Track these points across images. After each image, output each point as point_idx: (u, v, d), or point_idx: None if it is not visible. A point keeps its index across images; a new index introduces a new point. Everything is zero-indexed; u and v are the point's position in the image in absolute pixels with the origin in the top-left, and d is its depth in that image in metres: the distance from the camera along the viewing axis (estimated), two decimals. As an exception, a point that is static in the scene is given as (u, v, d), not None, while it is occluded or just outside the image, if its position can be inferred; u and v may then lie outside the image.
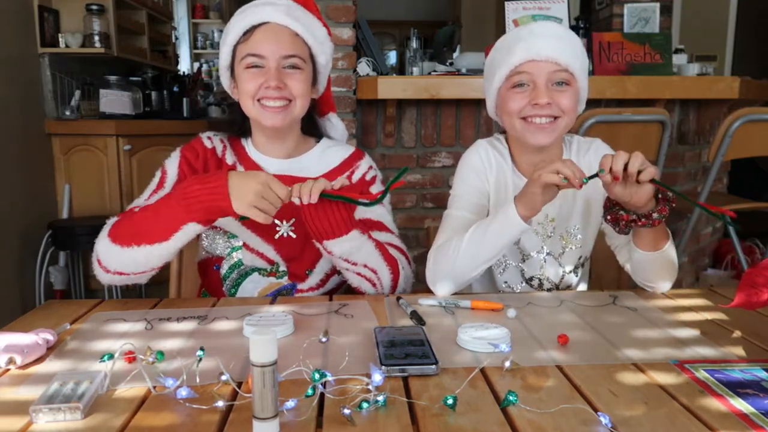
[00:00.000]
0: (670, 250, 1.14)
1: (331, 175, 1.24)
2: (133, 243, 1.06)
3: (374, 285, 1.18)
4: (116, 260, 1.09)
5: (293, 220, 1.21)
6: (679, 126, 2.85)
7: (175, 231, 1.05)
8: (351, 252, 1.12)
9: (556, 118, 1.18)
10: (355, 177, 1.28)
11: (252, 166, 1.25)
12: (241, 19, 1.17)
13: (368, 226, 1.22)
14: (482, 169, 1.27)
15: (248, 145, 1.28)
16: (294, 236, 1.21)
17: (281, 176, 1.16)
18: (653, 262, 1.14)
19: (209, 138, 1.28)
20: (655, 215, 1.05)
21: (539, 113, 1.17)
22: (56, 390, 0.72)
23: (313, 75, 1.23)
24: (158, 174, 1.23)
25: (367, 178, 1.30)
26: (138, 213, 1.09)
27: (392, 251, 1.20)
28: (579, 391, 0.76)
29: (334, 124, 1.35)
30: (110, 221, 1.13)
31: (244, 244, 1.23)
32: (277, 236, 1.22)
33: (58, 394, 0.71)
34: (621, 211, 1.08)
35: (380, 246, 1.17)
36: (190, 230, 1.06)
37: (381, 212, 1.27)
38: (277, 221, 1.20)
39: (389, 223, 1.28)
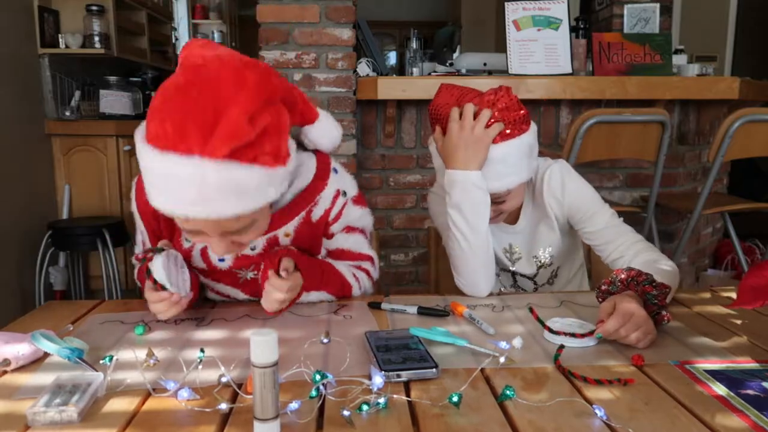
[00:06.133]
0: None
1: (288, 211, 1.10)
2: None
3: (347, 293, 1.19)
4: None
5: (252, 266, 1.14)
6: (679, 126, 2.85)
7: None
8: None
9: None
10: (315, 215, 1.11)
11: None
12: (159, 194, 0.88)
13: (348, 229, 1.20)
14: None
15: None
16: (258, 277, 1.15)
17: None
18: None
19: None
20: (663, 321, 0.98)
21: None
22: (54, 392, 0.72)
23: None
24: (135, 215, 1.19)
25: (330, 217, 1.14)
26: None
27: (353, 272, 1.20)
28: (579, 392, 0.76)
29: (323, 132, 1.12)
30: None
31: (211, 290, 1.19)
32: (241, 281, 1.16)
33: (56, 397, 0.71)
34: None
35: (338, 278, 1.17)
36: None
37: (358, 215, 1.20)
38: (237, 271, 1.14)
39: (367, 226, 1.23)
